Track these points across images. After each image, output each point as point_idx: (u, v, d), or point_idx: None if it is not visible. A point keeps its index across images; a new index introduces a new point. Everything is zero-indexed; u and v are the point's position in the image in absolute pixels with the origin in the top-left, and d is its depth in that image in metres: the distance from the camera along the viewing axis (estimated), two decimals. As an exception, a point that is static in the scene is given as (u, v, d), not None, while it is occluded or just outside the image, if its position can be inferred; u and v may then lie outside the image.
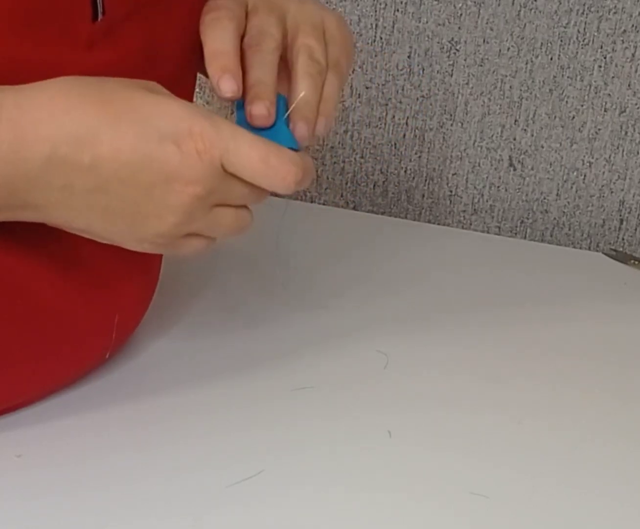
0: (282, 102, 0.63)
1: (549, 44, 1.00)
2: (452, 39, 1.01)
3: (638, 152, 1.02)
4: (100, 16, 0.59)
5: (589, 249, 1.06)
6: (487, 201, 1.07)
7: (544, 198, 1.06)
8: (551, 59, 1.00)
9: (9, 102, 0.53)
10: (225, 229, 0.59)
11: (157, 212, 0.56)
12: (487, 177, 1.06)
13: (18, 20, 0.55)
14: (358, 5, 1.02)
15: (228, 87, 0.62)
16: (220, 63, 0.62)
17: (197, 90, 0.75)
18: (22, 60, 0.56)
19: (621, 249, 1.03)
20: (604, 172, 1.04)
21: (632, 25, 0.98)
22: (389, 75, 1.03)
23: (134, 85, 0.56)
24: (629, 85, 1.00)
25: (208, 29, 0.64)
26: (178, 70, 0.67)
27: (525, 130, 1.03)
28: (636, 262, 0.98)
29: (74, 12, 0.58)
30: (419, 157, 1.06)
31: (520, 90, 1.02)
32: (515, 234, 1.07)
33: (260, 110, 0.62)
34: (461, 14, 1.00)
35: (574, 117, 1.02)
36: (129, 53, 0.61)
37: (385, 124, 1.06)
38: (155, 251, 0.60)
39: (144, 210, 0.56)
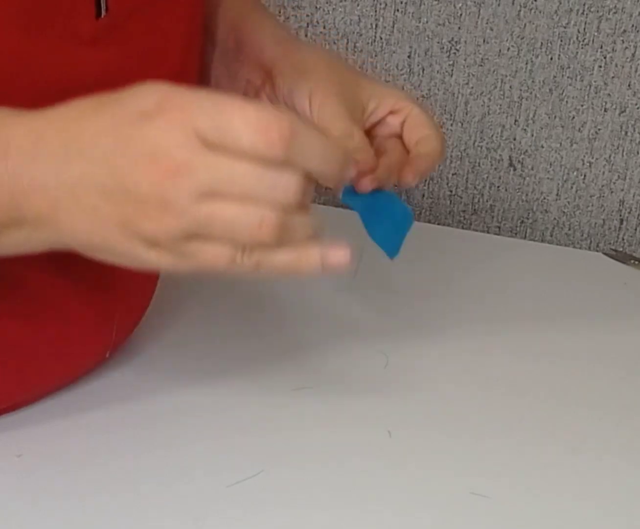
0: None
1: (549, 44, 1.00)
2: (452, 39, 1.01)
3: (638, 152, 1.02)
4: (103, 13, 0.59)
5: (589, 249, 1.06)
6: (487, 201, 1.07)
7: (544, 198, 1.06)
8: (551, 59, 1.00)
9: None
10: (223, 227, 0.51)
11: (134, 211, 0.51)
12: (487, 177, 1.06)
13: (22, 17, 0.55)
14: (358, 5, 1.02)
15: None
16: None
17: (197, 90, 0.75)
18: (27, 57, 0.56)
19: (621, 249, 1.03)
20: (604, 172, 1.04)
21: (632, 25, 0.98)
22: (389, 75, 1.03)
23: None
24: (629, 85, 1.00)
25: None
26: (180, 68, 0.67)
27: (525, 130, 1.03)
28: (636, 262, 0.98)
29: (78, 9, 0.58)
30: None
31: (520, 90, 1.02)
32: (515, 234, 1.07)
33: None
34: (461, 14, 1.00)
35: (574, 117, 1.02)
36: (132, 50, 0.61)
37: (385, 124, 1.05)
38: (167, 266, 0.53)
39: (122, 209, 0.51)
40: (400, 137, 0.70)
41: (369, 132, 0.70)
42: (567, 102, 1.02)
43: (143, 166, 0.50)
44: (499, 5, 0.99)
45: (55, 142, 0.51)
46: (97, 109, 0.52)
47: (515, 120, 1.03)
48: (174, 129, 0.50)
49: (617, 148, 1.03)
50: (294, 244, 0.53)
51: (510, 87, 1.02)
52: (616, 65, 1.00)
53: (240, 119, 0.50)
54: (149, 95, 0.51)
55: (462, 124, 1.04)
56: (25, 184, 0.51)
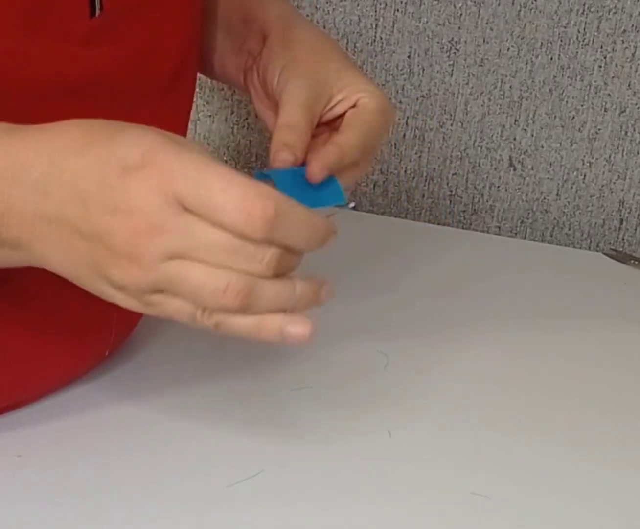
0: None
1: (549, 44, 1.00)
2: (452, 39, 1.01)
3: (638, 152, 1.02)
4: (97, 12, 0.59)
5: (589, 249, 1.06)
6: (487, 201, 1.07)
7: (544, 198, 1.06)
8: (551, 59, 1.00)
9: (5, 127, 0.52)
10: (187, 290, 0.51)
11: (104, 258, 0.51)
12: (487, 177, 1.06)
13: (16, 17, 0.55)
14: (358, 5, 1.02)
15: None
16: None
17: (197, 90, 0.75)
18: (21, 56, 0.56)
19: (621, 249, 1.03)
20: (604, 172, 1.04)
21: (632, 25, 0.98)
22: (389, 75, 1.03)
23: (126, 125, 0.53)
24: (629, 85, 1.00)
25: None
26: (177, 68, 0.67)
27: (525, 130, 1.03)
28: (636, 262, 0.98)
29: (72, 9, 0.58)
30: (419, 157, 1.06)
31: (520, 90, 1.02)
32: (515, 234, 1.07)
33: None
34: (461, 14, 1.00)
35: (574, 117, 1.02)
36: (127, 50, 0.61)
37: (385, 124, 1.05)
38: (135, 308, 0.53)
39: (92, 253, 0.51)
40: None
41: (332, 124, 0.68)
42: (567, 102, 1.02)
43: (119, 220, 0.50)
44: (499, 5, 0.99)
45: (38, 172, 0.51)
46: (84, 147, 0.51)
47: (515, 120, 1.03)
48: (153, 190, 0.49)
49: (617, 148, 1.03)
50: (257, 313, 0.53)
51: (510, 87, 1.02)
52: (616, 65, 0.99)
53: (223, 195, 0.49)
54: (136, 146, 0.50)
55: (462, 124, 1.04)
56: (4, 207, 0.51)
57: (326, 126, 0.68)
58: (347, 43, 1.03)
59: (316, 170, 0.62)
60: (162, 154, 0.50)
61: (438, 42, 1.02)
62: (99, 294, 0.54)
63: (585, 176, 1.04)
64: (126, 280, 0.51)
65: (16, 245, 0.53)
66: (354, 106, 0.67)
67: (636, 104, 1.01)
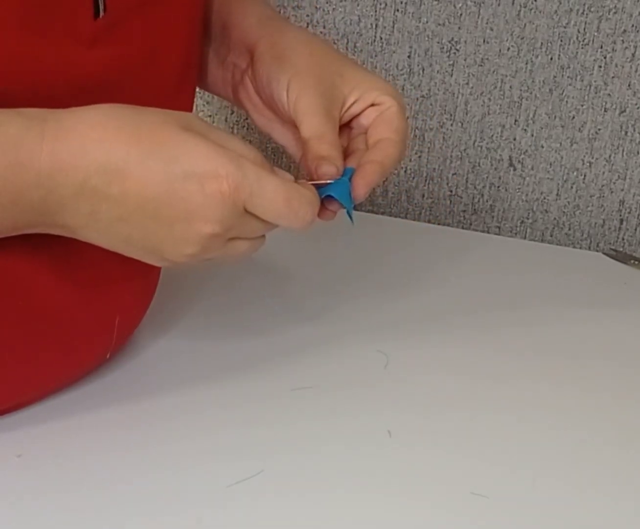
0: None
1: (549, 44, 1.00)
2: (452, 39, 1.01)
3: (638, 152, 1.02)
4: (102, 13, 0.59)
5: (589, 249, 1.06)
6: (487, 201, 1.07)
7: (544, 198, 1.06)
8: (551, 59, 1.00)
9: (50, 132, 0.55)
10: (239, 257, 0.62)
11: (175, 245, 0.58)
12: (487, 177, 1.06)
13: (21, 17, 0.55)
14: (358, 5, 1.02)
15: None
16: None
17: (197, 90, 0.75)
18: (25, 57, 0.56)
19: (621, 249, 1.03)
20: (604, 172, 1.04)
21: (632, 25, 0.98)
22: (389, 75, 1.03)
23: (171, 121, 0.58)
24: (629, 85, 1.00)
25: None
26: (180, 68, 0.67)
27: (525, 130, 1.03)
28: (636, 262, 0.98)
29: (76, 10, 0.58)
30: (419, 157, 1.06)
31: (520, 90, 1.02)
32: (515, 234, 1.07)
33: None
34: (461, 14, 1.00)
35: (574, 117, 1.02)
36: (130, 51, 0.61)
37: (385, 124, 1.05)
38: (172, 268, 0.63)
39: (164, 242, 0.58)
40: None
41: (349, 124, 0.69)
42: (567, 102, 1.02)
43: (195, 222, 0.58)
44: (499, 5, 0.99)
45: (94, 181, 0.55)
46: (147, 156, 0.56)
47: (515, 120, 1.03)
48: (226, 199, 0.57)
49: (617, 148, 1.03)
50: None
51: (510, 87, 1.02)
52: (616, 65, 0.99)
53: (273, 204, 0.59)
54: (204, 158, 0.57)
55: (462, 124, 1.04)
56: (55, 203, 0.56)
57: (345, 127, 0.69)
58: (347, 43, 1.03)
59: (363, 189, 0.66)
60: (225, 168, 0.57)
61: (438, 42, 1.02)
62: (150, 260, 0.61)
63: (585, 176, 1.04)
64: (191, 257, 0.60)
65: (59, 227, 0.58)
66: (372, 105, 0.68)
67: (636, 104, 1.01)
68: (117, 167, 0.55)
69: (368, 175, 0.66)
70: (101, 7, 0.59)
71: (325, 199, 0.65)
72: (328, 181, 0.65)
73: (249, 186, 0.57)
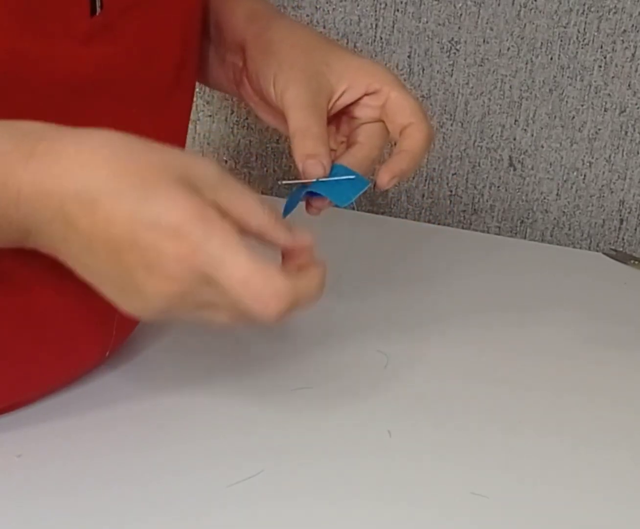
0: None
1: (549, 44, 1.00)
2: (452, 39, 1.01)
3: (638, 152, 1.02)
4: (98, 10, 0.59)
5: (589, 249, 1.06)
6: (487, 201, 1.07)
7: (544, 198, 1.06)
8: (551, 59, 1.00)
9: (40, 152, 0.52)
10: (220, 327, 0.57)
11: (140, 294, 0.53)
12: (487, 177, 1.06)
13: (17, 14, 0.55)
14: (358, 5, 1.02)
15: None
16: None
17: (197, 90, 0.75)
18: (21, 54, 0.56)
19: (621, 249, 1.03)
20: (604, 172, 1.04)
21: (632, 25, 0.98)
22: (389, 75, 1.03)
23: (172, 167, 0.53)
24: (629, 85, 1.00)
25: None
26: (177, 68, 0.67)
27: (525, 130, 1.03)
28: (636, 262, 0.98)
29: (72, 7, 0.58)
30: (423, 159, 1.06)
31: (520, 90, 1.02)
32: (515, 234, 1.07)
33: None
34: (461, 14, 1.00)
35: (574, 117, 1.02)
36: (127, 48, 0.61)
37: (385, 124, 1.05)
38: (147, 319, 0.58)
39: (128, 286, 0.54)
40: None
41: (345, 113, 0.68)
42: (567, 102, 1.02)
43: (154, 279, 0.52)
44: (499, 5, 0.99)
45: (67, 206, 0.52)
46: (120, 193, 0.52)
47: (515, 120, 1.03)
48: (185, 261, 0.52)
49: (617, 148, 1.03)
50: None
51: (510, 87, 1.02)
52: (616, 65, 0.99)
53: (242, 287, 0.52)
54: (172, 209, 0.52)
55: (462, 124, 1.04)
56: (30, 223, 0.53)
57: (344, 116, 0.68)
58: (347, 43, 1.03)
59: (386, 176, 0.66)
60: (189, 227, 0.51)
61: (438, 42, 1.01)
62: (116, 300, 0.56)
63: (585, 176, 1.04)
64: (168, 307, 0.54)
65: (42, 247, 0.55)
66: (366, 94, 0.67)
67: (636, 104, 1.01)
68: (90, 198, 0.51)
69: (392, 163, 0.66)
70: (98, 4, 0.59)
71: (312, 195, 0.64)
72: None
73: (207, 253, 0.51)
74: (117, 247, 0.52)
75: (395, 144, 0.69)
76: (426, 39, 1.02)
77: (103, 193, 0.51)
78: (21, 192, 0.52)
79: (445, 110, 1.04)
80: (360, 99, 0.67)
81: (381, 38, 1.02)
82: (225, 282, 0.52)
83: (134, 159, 0.52)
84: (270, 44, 0.68)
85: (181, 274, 0.52)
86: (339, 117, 0.69)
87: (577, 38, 0.99)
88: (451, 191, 1.07)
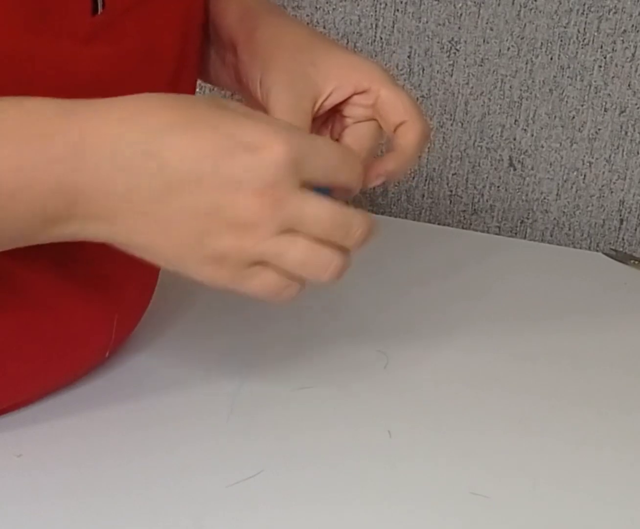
0: None
1: (549, 44, 1.00)
2: (452, 39, 1.01)
3: (638, 152, 1.02)
4: (100, 10, 0.59)
5: (589, 249, 1.06)
6: (487, 201, 1.07)
7: (544, 198, 1.06)
8: (551, 59, 1.01)
9: (81, 108, 0.52)
10: (294, 262, 0.55)
11: (218, 227, 0.53)
12: (487, 177, 1.06)
13: (18, 14, 0.55)
14: (358, 5, 1.02)
15: None
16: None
17: (197, 90, 0.75)
18: (23, 54, 0.56)
19: (621, 249, 1.03)
20: (604, 172, 1.04)
21: (632, 25, 0.98)
22: (389, 75, 1.03)
23: (213, 101, 0.55)
24: (629, 85, 1.00)
25: None
26: (178, 67, 0.67)
27: (525, 130, 1.03)
28: (636, 262, 0.98)
29: (74, 6, 0.58)
30: (419, 157, 1.06)
31: (520, 90, 1.02)
32: (515, 234, 1.07)
33: None
34: (461, 14, 1.00)
35: (574, 117, 1.02)
36: (128, 48, 0.61)
37: (385, 124, 1.05)
38: (219, 281, 0.55)
39: (205, 224, 0.53)
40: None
41: (337, 112, 0.67)
42: (567, 102, 1.02)
43: (243, 193, 0.52)
44: (499, 5, 0.99)
45: (130, 150, 0.52)
46: (188, 125, 0.53)
47: (515, 120, 1.03)
48: (279, 163, 0.52)
49: (617, 148, 1.03)
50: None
51: (510, 87, 1.02)
52: (616, 65, 1.00)
53: (335, 172, 0.55)
54: (251, 127, 0.53)
55: (462, 124, 1.04)
56: (83, 182, 0.52)
57: (336, 115, 0.67)
58: (347, 43, 1.03)
59: (372, 177, 0.65)
60: (278, 134, 0.53)
61: (438, 42, 1.02)
62: (185, 269, 0.56)
63: (585, 176, 1.04)
64: (234, 249, 0.53)
65: (94, 218, 0.53)
66: (356, 93, 0.66)
67: (636, 104, 1.01)
68: (155, 138, 0.52)
69: (377, 163, 0.65)
70: (99, 3, 0.59)
71: None
72: None
73: (304, 145, 0.54)
74: (196, 179, 0.52)
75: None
76: (426, 39, 1.02)
77: (166, 132, 0.52)
78: (68, 141, 0.51)
79: (445, 110, 1.04)
80: (349, 98, 0.66)
81: (381, 38, 1.02)
82: (327, 164, 0.55)
83: (182, 102, 0.54)
84: (257, 45, 0.67)
85: (275, 178, 0.52)
86: (332, 116, 0.68)
87: (577, 38, 0.99)
88: (451, 191, 1.07)
